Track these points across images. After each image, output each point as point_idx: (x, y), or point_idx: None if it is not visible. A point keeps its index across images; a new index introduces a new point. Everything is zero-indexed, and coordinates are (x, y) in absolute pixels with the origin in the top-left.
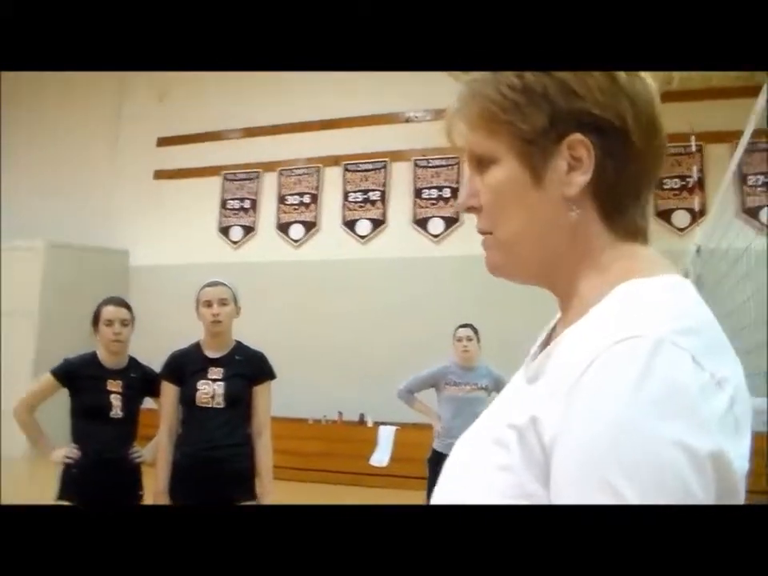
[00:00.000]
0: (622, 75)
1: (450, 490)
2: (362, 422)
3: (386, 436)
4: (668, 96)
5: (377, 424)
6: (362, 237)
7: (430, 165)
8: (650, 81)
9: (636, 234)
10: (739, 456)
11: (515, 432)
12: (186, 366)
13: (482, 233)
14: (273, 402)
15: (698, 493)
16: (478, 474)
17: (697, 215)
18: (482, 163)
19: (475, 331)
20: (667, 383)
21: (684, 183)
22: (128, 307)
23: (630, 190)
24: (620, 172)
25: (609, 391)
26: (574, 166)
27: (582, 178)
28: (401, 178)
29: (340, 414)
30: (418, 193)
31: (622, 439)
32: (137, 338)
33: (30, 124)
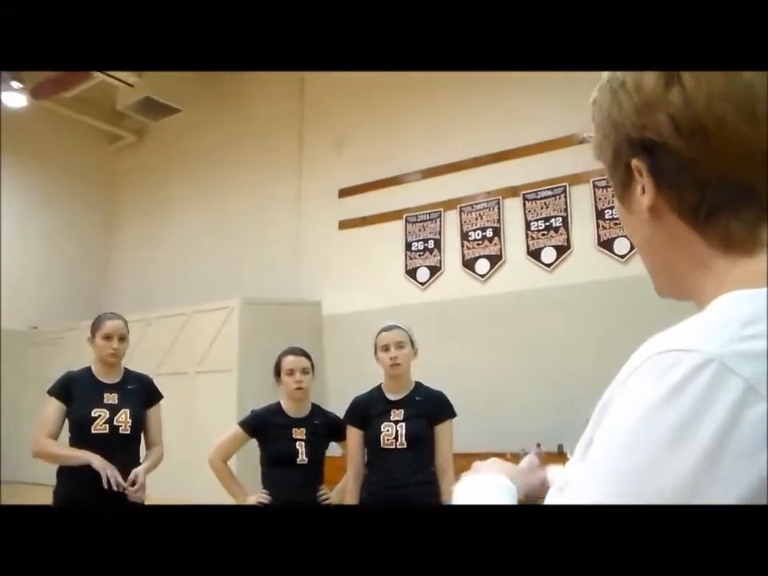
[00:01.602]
0: (654, 90)
1: None
2: (560, 453)
3: None
4: None
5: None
6: (548, 265)
7: (611, 185)
8: (703, 81)
9: (740, 242)
10: None
11: None
12: (369, 410)
13: None
14: (467, 438)
15: None
16: None
17: None
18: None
19: None
20: (698, 408)
21: None
22: (307, 356)
23: (701, 199)
24: (679, 185)
25: (635, 402)
26: (644, 188)
27: (646, 200)
28: (582, 201)
29: (538, 445)
30: (600, 214)
31: (630, 454)
32: (333, 383)
33: (212, 191)
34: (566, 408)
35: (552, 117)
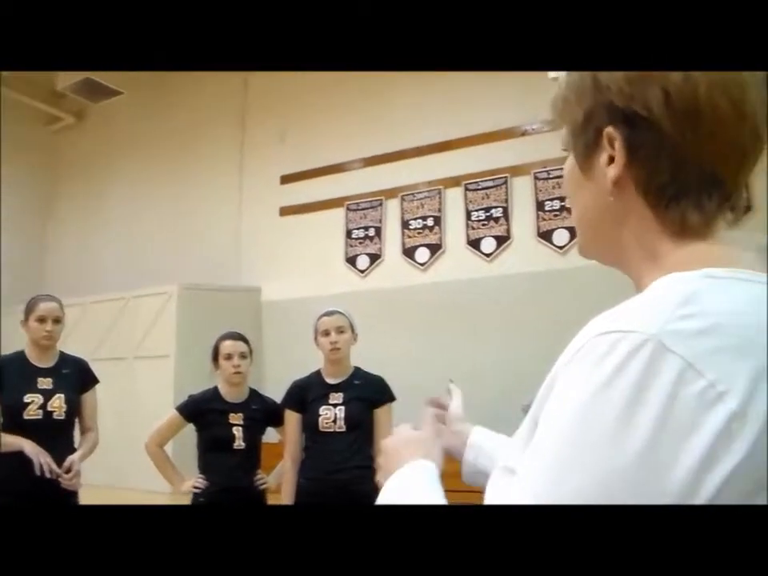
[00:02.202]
0: None
1: None
2: None
3: None
4: None
5: None
6: (488, 255)
7: (551, 176)
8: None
9: (694, 229)
10: (743, 473)
11: None
12: (308, 393)
13: None
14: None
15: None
16: None
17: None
18: (567, 153)
19: None
20: (639, 387)
21: None
22: (246, 341)
23: (671, 181)
24: (653, 164)
25: (578, 385)
26: (614, 158)
27: (613, 171)
28: (522, 192)
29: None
30: (540, 206)
31: (578, 434)
32: (272, 369)
33: (154, 176)
34: (502, 398)
35: (495, 108)
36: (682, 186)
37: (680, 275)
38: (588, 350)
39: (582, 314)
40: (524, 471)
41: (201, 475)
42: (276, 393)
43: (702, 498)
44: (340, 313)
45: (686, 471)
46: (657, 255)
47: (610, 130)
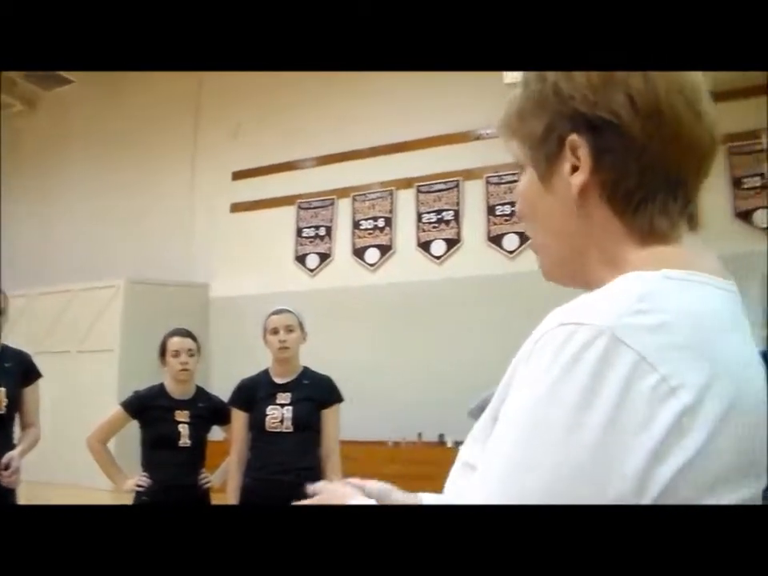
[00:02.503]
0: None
1: None
2: (441, 442)
3: None
4: (743, 92)
5: (457, 444)
6: (438, 257)
7: (503, 181)
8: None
9: (660, 233)
10: (698, 467)
11: None
12: (255, 392)
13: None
14: (352, 425)
15: (587, 497)
16: None
17: None
18: (521, 171)
19: None
20: (593, 380)
21: (765, 181)
22: (194, 337)
23: (638, 186)
24: (620, 168)
25: (534, 380)
26: (577, 167)
27: (579, 178)
28: (474, 196)
29: (419, 435)
30: (491, 210)
31: (534, 428)
32: (218, 366)
33: (105, 168)
34: (449, 399)
35: (450, 112)
36: (649, 190)
37: (638, 274)
38: (544, 342)
39: (530, 318)
40: (483, 468)
41: (144, 473)
42: (222, 390)
43: (654, 489)
44: (289, 311)
45: (637, 463)
46: (618, 261)
47: (573, 137)
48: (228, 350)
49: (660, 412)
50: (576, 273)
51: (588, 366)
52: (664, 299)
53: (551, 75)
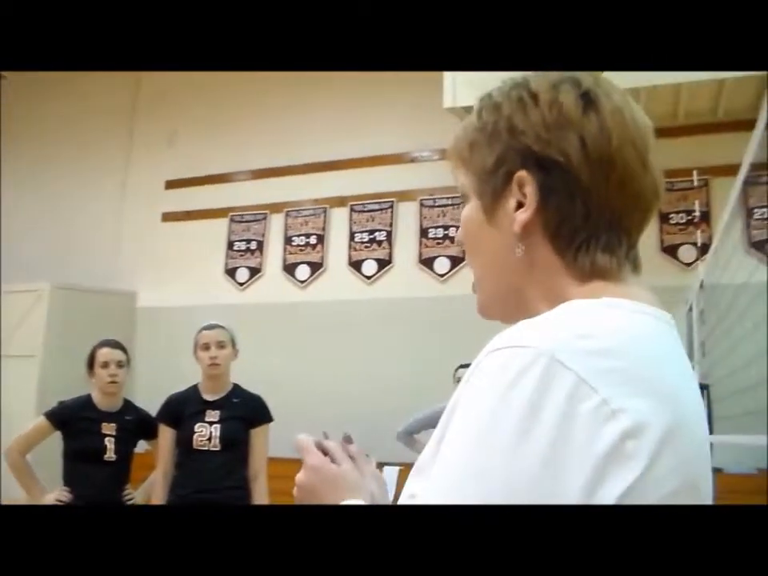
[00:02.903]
0: (573, 111)
1: None
2: None
3: (390, 476)
4: (673, 131)
5: (380, 464)
6: (368, 277)
7: (437, 204)
8: (627, 115)
9: (600, 273)
10: (639, 492)
11: None
12: (184, 409)
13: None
14: (278, 443)
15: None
16: None
17: (701, 250)
18: (464, 200)
19: None
20: (532, 403)
21: (690, 218)
22: (123, 349)
23: (582, 227)
24: (566, 209)
25: (475, 405)
26: (522, 203)
27: (524, 215)
28: (407, 218)
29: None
30: (424, 232)
31: (473, 457)
32: (143, 378)
33: (36, 168)
34: (374, 420)
35: (387, 133)
36: (592, 233)
37: (579, 301)
38: (484, 366)
39: (460, 342)
40: (423, 497)
41: (65, 487)
42: (146, 403)
43: None
44: (221, 327)
45: (580, 485)
46: (558, 297)
47: (522, 174)
48: (153, 362)
49: (600, 434)
50: (513, 310)
51: (528, 390)
52: (605, 325)
53: (506, 108)
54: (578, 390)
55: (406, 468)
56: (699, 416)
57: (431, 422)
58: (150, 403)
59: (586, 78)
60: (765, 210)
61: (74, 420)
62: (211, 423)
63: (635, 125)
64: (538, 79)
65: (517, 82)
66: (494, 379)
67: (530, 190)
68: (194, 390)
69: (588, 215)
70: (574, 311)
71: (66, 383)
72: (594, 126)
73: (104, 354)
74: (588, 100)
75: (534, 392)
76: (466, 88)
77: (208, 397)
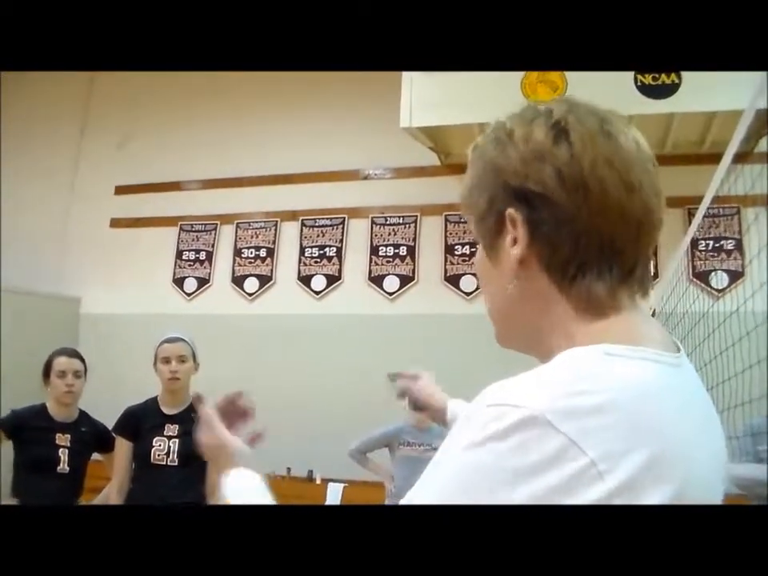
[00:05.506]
0: (544, 142)
1: None
2: (310, 478)
3: (335, 493)
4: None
5: (325, 481)
6: (317, 292)
7: (388, 222)
8: (602, 138)
9: (599, 302)
10: None
11: None
12: (142, 422)
13: None
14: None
15: None
16: None
17: (653, 278)
18: (476, 245)
19: None
20: (522, 458)
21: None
22: (81, 358)
23: (573, 255)
24: (555, 239)
25: (465, 449)
26: (517, 239)
27: (517, 250)
28: (358, 234)
29: (288, 469)
30: (374, 250)
31: (456, 494)
32: (85, 387)
33: None
34: (319, 436)
35: (340, 149)
36: (583, 260)
37: (577, 351)
38: (475, 417)
39: (405, 360)
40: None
41: (14, 499)
42: (90, 413)
43: None
44: (183, 340)
45: None
46: (564, 332)
47: (511, 211)
48: (97, 369)
49: (586, 496)
50: (527, 341)
51: (516, 449)
52: (602, 379)
53: (490, 151)
54: (566, 453)
55: (351, 486)
56: (715, 471)
57: (385, 441)
58: (93, 412)
59: (559, 107)
60: (710, 242)
61: (26, 429)
62: (170, 438)
63: (615, 145)
64: (515, 117)
65: (497, 124)
66: (481, 429)
67: (520, 225)
68: (153, 403)
69: (576, 242)
70: (570, 364)
71: (7, 386)
72: (565, 154)
73: (61, 363)
74: (559, 130)
75: (523, 452)
76: (422, 109)
77: (167, 411)
